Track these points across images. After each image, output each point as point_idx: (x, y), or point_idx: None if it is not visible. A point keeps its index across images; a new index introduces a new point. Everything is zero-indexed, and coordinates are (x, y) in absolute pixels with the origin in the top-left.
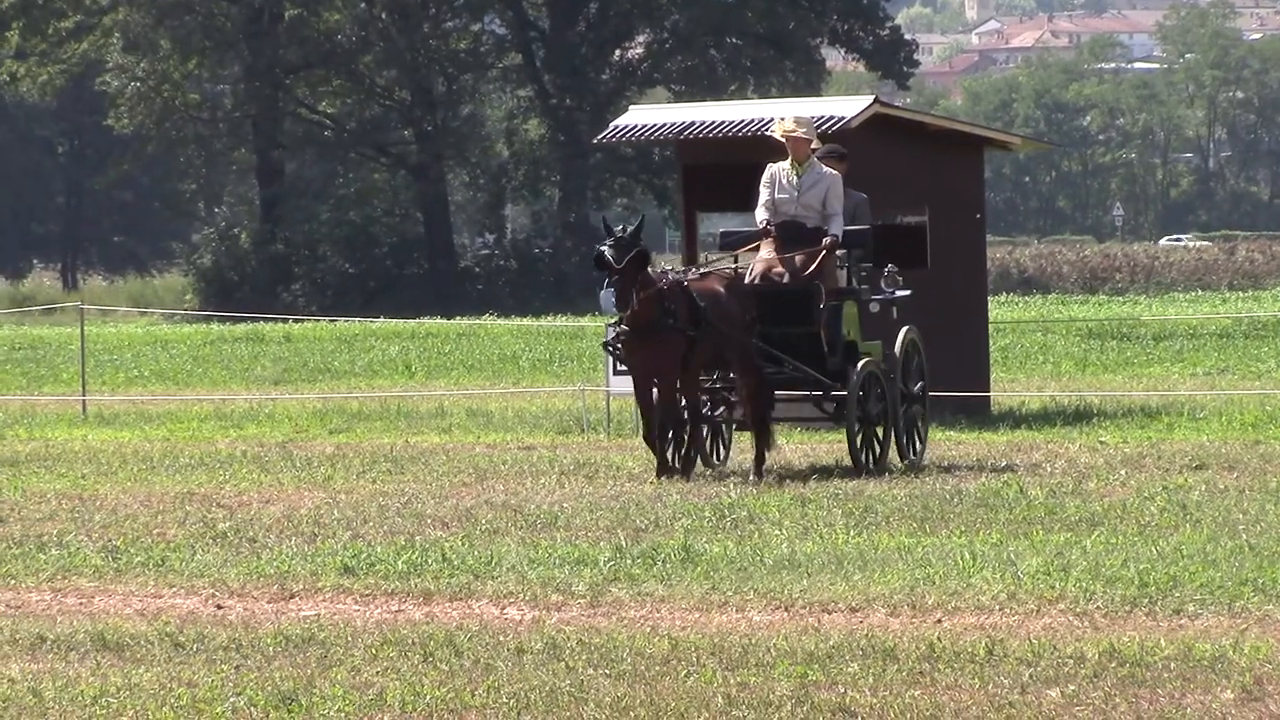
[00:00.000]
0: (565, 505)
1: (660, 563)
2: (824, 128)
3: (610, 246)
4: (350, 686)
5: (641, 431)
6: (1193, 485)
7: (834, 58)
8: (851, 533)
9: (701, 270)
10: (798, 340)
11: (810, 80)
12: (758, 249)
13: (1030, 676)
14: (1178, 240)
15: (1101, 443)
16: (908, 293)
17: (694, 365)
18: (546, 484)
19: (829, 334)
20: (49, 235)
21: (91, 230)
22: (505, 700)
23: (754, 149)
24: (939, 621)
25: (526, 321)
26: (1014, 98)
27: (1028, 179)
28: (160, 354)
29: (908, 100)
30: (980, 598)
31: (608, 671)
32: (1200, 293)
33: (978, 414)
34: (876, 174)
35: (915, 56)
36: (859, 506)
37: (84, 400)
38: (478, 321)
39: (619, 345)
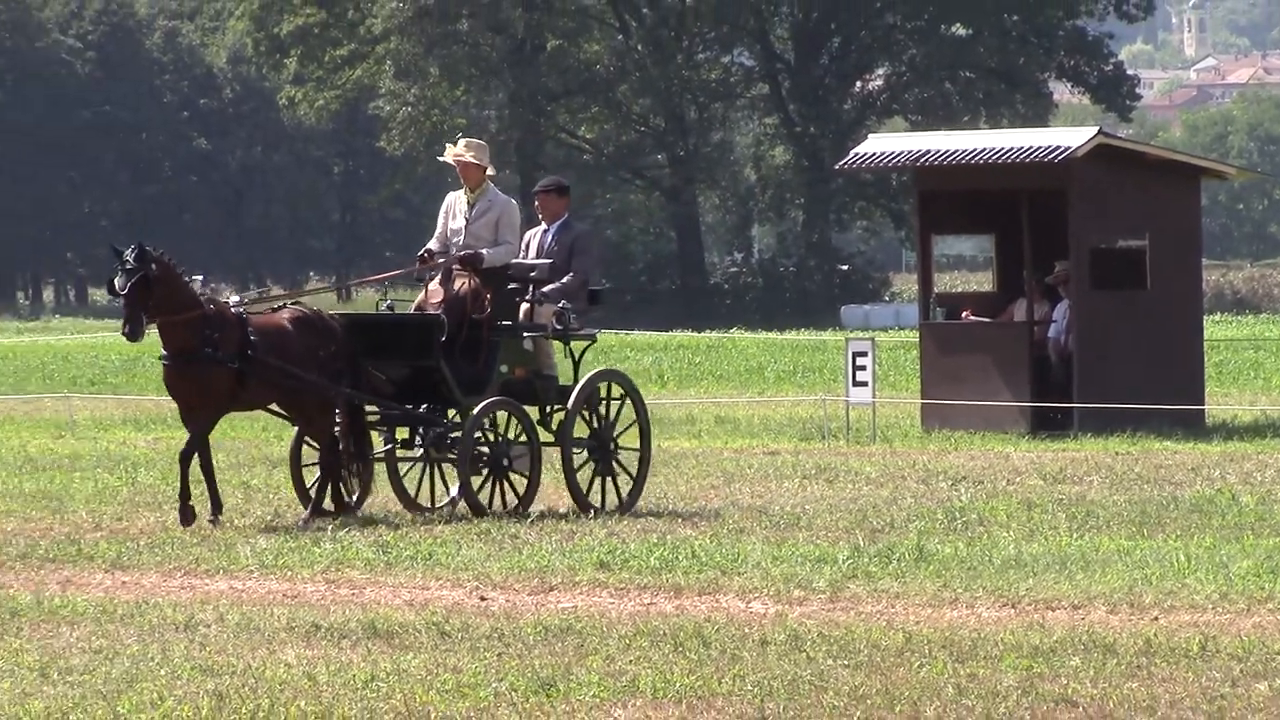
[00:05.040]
0: (807, 507)
1: (895, 561)
2: (1051, 157)
3: (122, 270)
4: (605, 674)
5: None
6: None
7: (1061, 91)
8: (1074, 535)
9: (279, 302)
10: (420, 375)
11: (1038, 112)
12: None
13: (1240, 671)
14: None
15: None
16: (591, 333)
17: (246, 400)
18: (790, 487)
19: (474, 368)
20: (324, 250)
21: (364, 246)
22: (750, 688)
23: (987, 176)
24: (1155, 619)
25: (771, 335)
26: (1229, 130)
27: (1241, 206)
28: None
29: (1129, 132)
30: (1194, 597)
31: (846, 662)
32: None
33: (1193, 426)
34: (1099, 201)
35: (1137, 91)
36: (1081, 511)
37: None
38: (726, 335)
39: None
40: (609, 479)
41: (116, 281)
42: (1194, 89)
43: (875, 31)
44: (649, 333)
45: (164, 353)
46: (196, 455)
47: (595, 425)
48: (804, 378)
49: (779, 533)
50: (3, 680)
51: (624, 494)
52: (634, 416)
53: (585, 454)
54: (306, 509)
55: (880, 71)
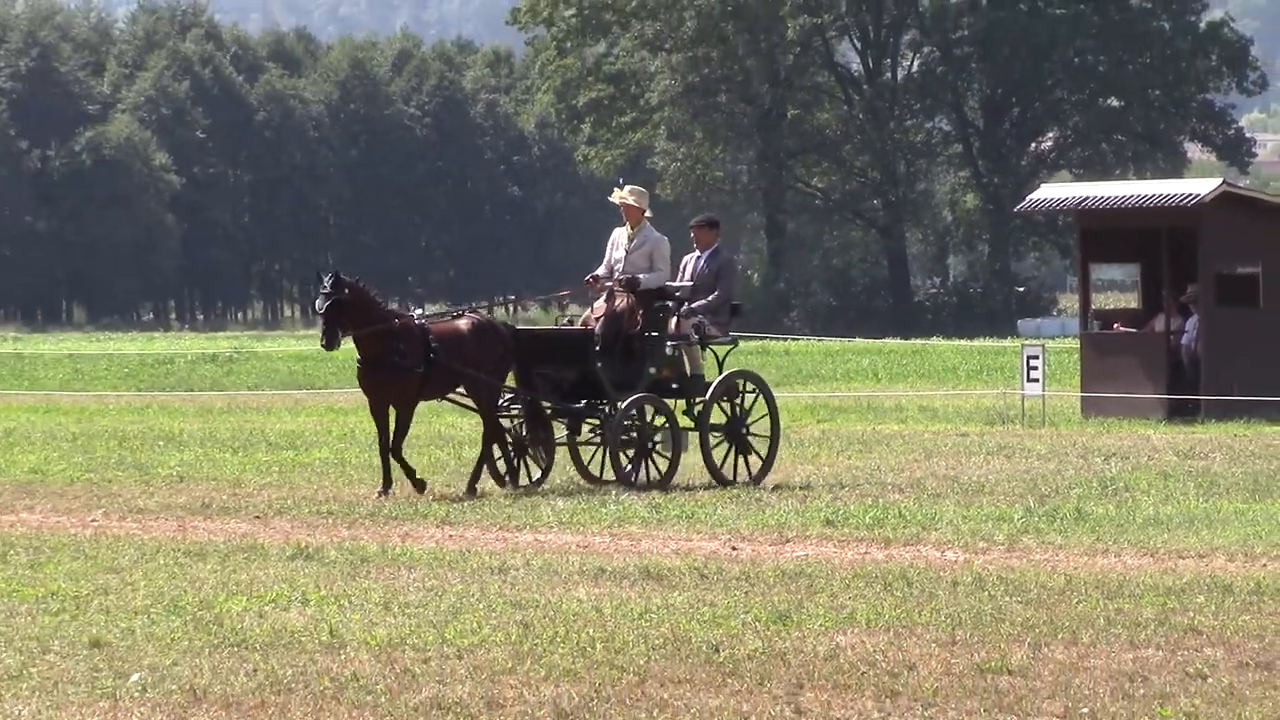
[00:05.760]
0: (990, 477)
1: (1059, 520)
2: (1185, 202)
3: (320, 295)
4: (829, 608)
5: (378, 445)
6: None
7: (1193, 150)
8: (1201, 499)
9: (457, 314)
10: (582, 376)
11: (1174, 166)
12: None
13: None
14: None
15: None
16: (730, 341)
17: (429, 396)
18: (976, 461)
19: (627, 371)
20: None
21: None
22: (943, 619)
23: (1134, 217)
24: (1264, 565)
25: (962, 342)
26: None
27: None
28: None
29: (1247, 182)
30: None
31: (1019, 599)
32: None
33: None
34: (1223, 236)
35: (1253, 150)
36: (1206, 481)
37: None
38: (927, 342)
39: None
40: (742, 457)
41: (317, 303)
42: None
43: (1047, 103)
44: (866, 340)
45: (359, 358)
46: (380, 438)
47: (732, 414)
48: (988, 375)
49: (967, 497)
50: (354, 612)
51: (755, 470)
52: (767, 407)
53: (721, 437)
54: (500, 484)
55: (1050, 135)
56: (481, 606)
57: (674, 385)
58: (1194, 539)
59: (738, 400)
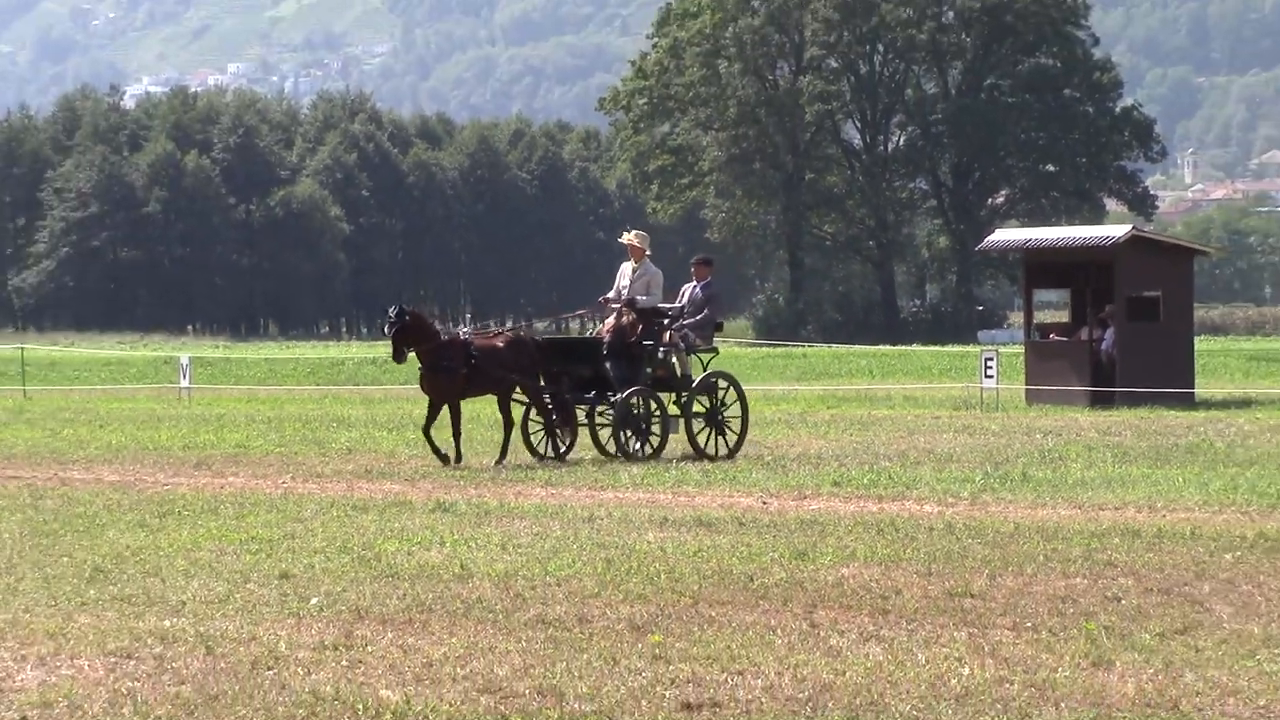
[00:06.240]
0: (957, 448)
1: (1009, 481)
2: (1104, 242)
3: (388, 323)
4: (836, 548)
5: (423, 425)
6: None
7: (1111, 204)
8: (1116, 465)
9: (497, 330)
10: (595, 374)
11: (1096, 216)
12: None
13: (1214, 547)
14: None
15: (1256, 418)
16: (712, 349)
17: (471, 393)
18: (946, 437)
19: (629, 370)
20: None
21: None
22: (922, 556)
23: (1066, 253)
24: (1164, 515)
25: (936, 348)
26: (1211, 227)
27: (1218, 271)
28: (735, 364)
29: (1150, 228)
30: (1187, 502)
31: (980, 541)
32: None
33: (1185, 402)
34: (1133, 268)
35: (1156, 203)
36: (1120, 452)
37: None
38: (909, 348)
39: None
40: (719, 437)
41: (385, 327)
42: (1190, 202)
43: (1001, 169)
44: (864, 346)
45: (420, 365)
46: (451, 424)
47: (711, 404)
48: (956, 373)
49: (940, 463)
50: (479, 551)
51: (730, 446)
52: (739, 398)
53: (702, 421)
54: (534, 457)
55: (1003, 192)
56: (575, 547)
57: (667, 382)
58: (1111, 495)
59: (716, 394)
